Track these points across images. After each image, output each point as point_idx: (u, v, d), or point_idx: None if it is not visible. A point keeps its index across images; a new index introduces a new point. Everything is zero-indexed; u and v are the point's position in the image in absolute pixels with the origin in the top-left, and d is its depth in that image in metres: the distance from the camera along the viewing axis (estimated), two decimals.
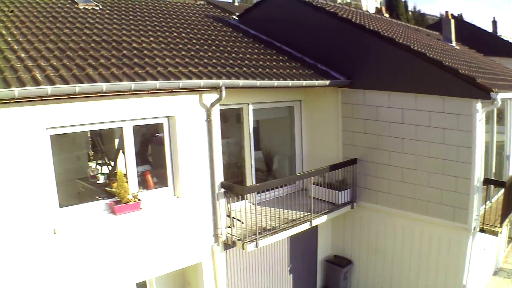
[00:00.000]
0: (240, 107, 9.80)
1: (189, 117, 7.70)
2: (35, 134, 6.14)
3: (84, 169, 9.98)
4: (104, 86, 6.36)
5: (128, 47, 8.34)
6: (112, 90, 6.53)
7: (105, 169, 10.01)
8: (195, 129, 7.78)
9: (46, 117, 6.23)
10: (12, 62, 6.52)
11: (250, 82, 8.10)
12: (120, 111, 6.97)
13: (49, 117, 6.26)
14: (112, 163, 9.98)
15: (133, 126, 7.31)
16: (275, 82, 8.48)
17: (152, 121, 7.56)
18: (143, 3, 12.52)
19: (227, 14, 13.81)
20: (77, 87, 6.13)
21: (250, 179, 10.25)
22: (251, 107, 9.92)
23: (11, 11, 9.14)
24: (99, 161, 10.59)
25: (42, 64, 6.73)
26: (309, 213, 9.34)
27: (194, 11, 12.84)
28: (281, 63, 9.79)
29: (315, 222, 9.43)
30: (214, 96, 7.90)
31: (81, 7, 10.38)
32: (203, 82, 7.41)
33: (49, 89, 5.91)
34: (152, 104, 7.25)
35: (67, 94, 6.18)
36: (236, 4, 43.43)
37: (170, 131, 7.69)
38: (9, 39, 7.50)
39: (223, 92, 7.72)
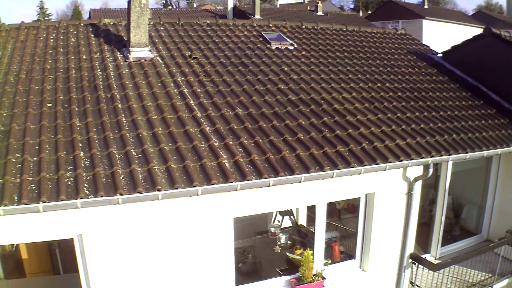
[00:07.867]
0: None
1: (388, 191, 7.27)
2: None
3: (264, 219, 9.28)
4: (302, 177, 5.76)
5: (328, 109, 7.49)
6: (310, 179, 5.96)
7: (286, 220, 9.25)
8: (392, 203, 7.38)
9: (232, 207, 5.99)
10: (196, 142, 5.93)
11: (460, 155, 7.37)
12: (313, 195, 6.51)
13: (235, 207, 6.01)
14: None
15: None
16: (485, 153, 7.75)
17: (347, 196, 7.35)
18: (342, 37, 11.23)
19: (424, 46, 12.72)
20: (271, 181, 5.58)
21: (437, 235, 9.35)
22: (450, 163, 8.81)
23: (194, 58, 8.35)
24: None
25: (231, 143, 6.04)
26: (491, 275, 8.35)
27: (396, 45, 11.71)
28: (489, 121, 8.72)
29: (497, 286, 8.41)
30: (418, 169, 7.38)
31: (273, 48, 9.49)
32: (410, 163, 6.76)
33: (238, 185, 5.42)
34: (350, 183, 6.73)
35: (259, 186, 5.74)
36: (426, 6, 39.47)
37: (367, 206, 7.28)
38: (191, 102, 6.94)
39: (430, 170, 7.21)
